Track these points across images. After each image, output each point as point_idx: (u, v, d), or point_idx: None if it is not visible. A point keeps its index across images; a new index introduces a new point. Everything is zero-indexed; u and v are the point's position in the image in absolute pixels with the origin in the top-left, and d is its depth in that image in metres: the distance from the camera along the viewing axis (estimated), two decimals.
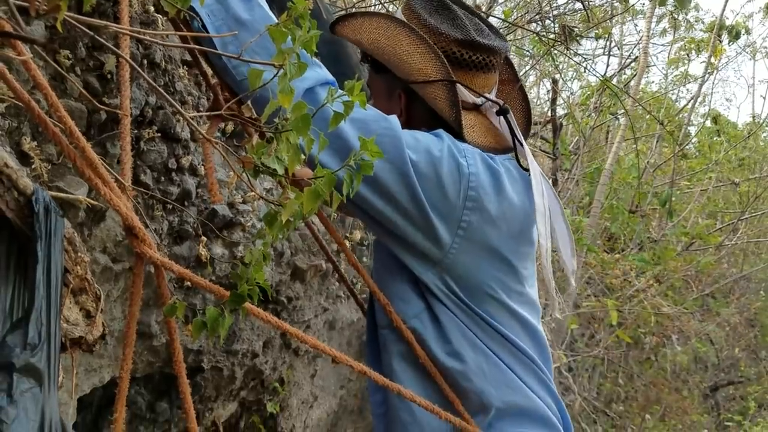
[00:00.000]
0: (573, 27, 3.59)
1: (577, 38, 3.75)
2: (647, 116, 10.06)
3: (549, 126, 6.91)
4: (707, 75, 9.13)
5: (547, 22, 4.12)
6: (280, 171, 0.85)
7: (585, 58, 7.20)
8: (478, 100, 1.39)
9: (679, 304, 6.62)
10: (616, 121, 6.08)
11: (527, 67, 6.54)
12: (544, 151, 7.46)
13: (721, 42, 8.83)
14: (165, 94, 0.77)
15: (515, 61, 6.53)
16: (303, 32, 0.89)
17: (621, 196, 7.52)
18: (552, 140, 6.89)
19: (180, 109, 0.77)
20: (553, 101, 6.73)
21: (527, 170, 1.36)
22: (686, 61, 10.09)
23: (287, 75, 0.84)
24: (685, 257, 7.09)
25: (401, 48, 1.33)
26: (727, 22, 8.68)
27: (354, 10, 2.22)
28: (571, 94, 7.61)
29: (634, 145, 8.40)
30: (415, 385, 1.31)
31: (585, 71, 7.62)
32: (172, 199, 1.44)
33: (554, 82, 6.80)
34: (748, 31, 9.34)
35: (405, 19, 1.36)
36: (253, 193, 1.65)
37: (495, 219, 1.27)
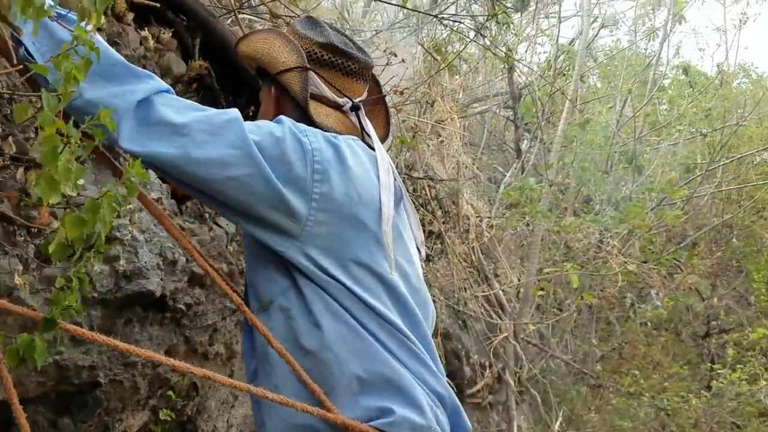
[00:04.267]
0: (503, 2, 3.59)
1: (507, 11, 3.76)
2: (622, 72, 10.06)
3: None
4: (670, 27, 9.11)
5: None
6: (54, 200, 0.87)
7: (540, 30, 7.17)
8: (340, 100, 1.54)
9: (653, 260, 6.67)
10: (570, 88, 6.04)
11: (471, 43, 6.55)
12: (507, 118, 7.48)
13: None
14: None
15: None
16: (70, 63, 0.91)
17: (593, 157, 7.53)
18: (513, 109, 6.92)
19: None
20: (510, 71, 6.74)
21: (373, 148, 1.50)
22: (652, 16, 10.08)
23: (48, 104, 0.85)
24: (657, 213, 7.13)
25: (273, 48, 1.53)
26: None
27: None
28: (526, 63, 7.55)
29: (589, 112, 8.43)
30: (287, 365, 1.34)
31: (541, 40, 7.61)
32: (37, 222, 1.46)
33: (509, 50, 6.79)
34: None
35: (284, 32, 1.57)
36: (128, 206, 1.67)
37: (344, 188, 1.35)
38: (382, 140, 1.60)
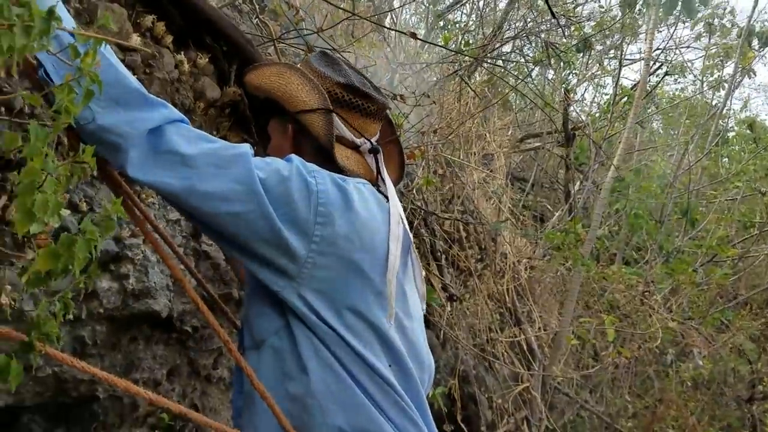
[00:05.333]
0: (556, 44, 3.55)
1: (561, 54, 3.71)
2: (683, 121, 9.88)
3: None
4: (737, 80, 8.91)
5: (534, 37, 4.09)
6: (35, 229, 0.88)
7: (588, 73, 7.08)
8: (358, 141, 1.54)
9: (699, 316, 6.45)
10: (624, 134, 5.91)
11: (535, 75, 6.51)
12: (560, 156, 7.35)
13: (751, 47, 8.60)
14: None
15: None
16: (66, 95, 0.92)
17: (646, 205, 7.35)
18: (566, 149, 6.81)
19: None
20: (565, 111, 6.65)
21: (386, 197, 1.49)
22: (720, 67, 9.88)
23: (36, 136, 0.87)
24: (706, 270, 6.89)
25: (292, 86, 1.52)
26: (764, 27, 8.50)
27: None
28: (582, 100, 7.46)
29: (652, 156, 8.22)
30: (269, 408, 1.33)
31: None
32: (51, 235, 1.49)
33: (566, 92, 6.71)
34: None
35: (300, 68, 1.55)
36: None
37: (347, 232, 1.33)
38: (395, 183, 1.58)
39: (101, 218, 0.97)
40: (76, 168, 0.91)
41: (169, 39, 1.93)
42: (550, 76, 6.99)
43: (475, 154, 4.81)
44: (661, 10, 5.48)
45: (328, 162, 1.46)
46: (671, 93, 11.06)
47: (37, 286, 0.92)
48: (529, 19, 3.84)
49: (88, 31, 1.10)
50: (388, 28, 2.28)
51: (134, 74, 1.78)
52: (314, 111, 1.47)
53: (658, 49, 8.68)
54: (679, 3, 5.29)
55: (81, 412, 1.72)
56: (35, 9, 0.81)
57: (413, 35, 2.19)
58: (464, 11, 7.05)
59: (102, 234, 0.95)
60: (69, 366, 1.11)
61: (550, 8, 2.01)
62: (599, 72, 8.72)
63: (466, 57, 3.31)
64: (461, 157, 4.42)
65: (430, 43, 2.84)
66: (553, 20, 3.58)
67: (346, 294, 1.33)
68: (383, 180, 1.50)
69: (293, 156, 1.37)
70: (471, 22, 6.81)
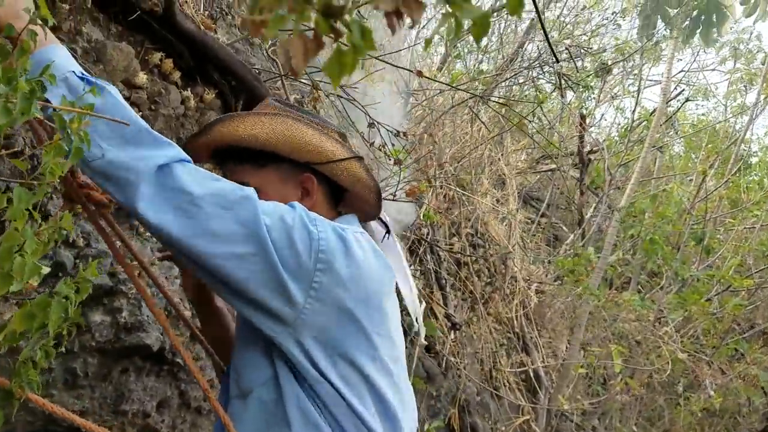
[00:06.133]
0: (569, 76, 3.57)
1: (574, 85, 3.73)
2: (704, 146, 9.80)
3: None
4: (760, 107, 8.84)
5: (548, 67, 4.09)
6: (15, 288, 0.92)
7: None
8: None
9: (711, 346, 6.38)
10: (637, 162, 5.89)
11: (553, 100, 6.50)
12: (576, 179, 7.33)
13: None
14: None
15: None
16: (52, 156, 0.96)
17: (663, 231, 7.29)
18: (580, 175, 6.79)
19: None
20: (581, 137, 6.64)
21: (388, 232, 1.56)
22: (744, 93, 9.82)
23: (18, 199, 0.91)
24: (722, 299, 6.82)
25: (307, 136, 1.49)
26: None
27: None
28: (602, 121, 7.43)
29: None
30: None
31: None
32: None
33: (582, 117, 6.71)
34: None
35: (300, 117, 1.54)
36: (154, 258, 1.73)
37: (345, 281, 1.33)
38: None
39: (78, 279, 1.00)
40: (52, 236, 0.94)
41: (176, 75, 1.98)
42: (567, 101, 6.98)
43: (486, 174, 4.81)
44: (679, 39, 5.47)
45: (338, 205, 1.53)
46: (694, 117, 10.99)
47: (13, 342, 0.95)
48: (542, 50, 3.85)
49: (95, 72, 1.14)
50: (396, 66, 2.29)
51: (139, 111, 1.83)
52: (345, 160, 1.49)
53: (681, 71, 8.65)
54: (697, 33, 5.27)
55: None
56: (21, 85, 0.84)
57: (419, 73, 2.21)
58: None
59: (79, 296, 0.98)
60: (49, 411, 1.14)
61: (551, 48, 2.02)
62: (619, 93, 8.70)
63: (478, 86, 3.34)
64: (472, 181, 4.43)
65: (438, 81, 2.86)
66: (566, 51, 3.59)
67: (341, 342, 1.34)
68: (383, 221, 1.53)
69: (296, 203, 1.38)
70: (491, 44, 6.83)
